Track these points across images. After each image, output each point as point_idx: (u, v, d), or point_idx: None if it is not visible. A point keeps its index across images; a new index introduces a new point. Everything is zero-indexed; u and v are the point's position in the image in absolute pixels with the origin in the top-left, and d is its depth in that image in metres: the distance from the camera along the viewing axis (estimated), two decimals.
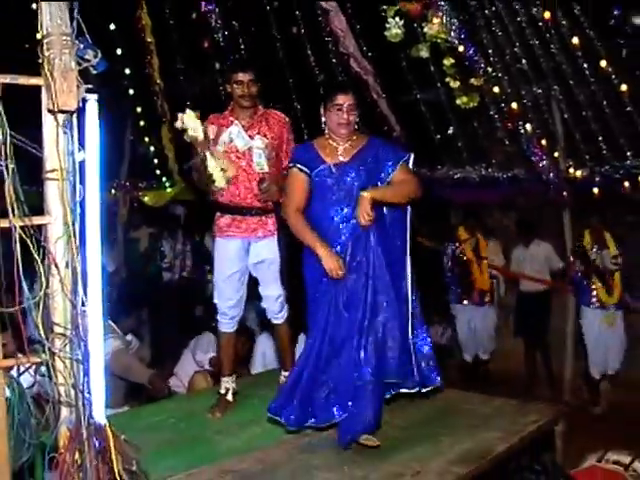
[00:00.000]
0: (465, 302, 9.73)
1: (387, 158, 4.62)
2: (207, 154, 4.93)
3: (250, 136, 5.07)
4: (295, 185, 4.66)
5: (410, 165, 4.71)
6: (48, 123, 2.75)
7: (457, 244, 9.55)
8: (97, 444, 2.86)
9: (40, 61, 2.71)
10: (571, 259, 8.86)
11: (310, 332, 4.70)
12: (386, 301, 4.48)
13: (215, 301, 5.36)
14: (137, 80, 10.52)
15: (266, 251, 5.13)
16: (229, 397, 5.36)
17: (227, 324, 5.37)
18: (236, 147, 5.08)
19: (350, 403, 4.37)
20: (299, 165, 4.64)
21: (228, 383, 5.40)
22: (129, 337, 6.94)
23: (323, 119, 4.68)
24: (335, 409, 4.43)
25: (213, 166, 4.93)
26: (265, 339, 7.45)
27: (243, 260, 5.19)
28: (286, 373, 5.43)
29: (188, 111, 4.90)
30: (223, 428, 4.88)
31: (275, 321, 5.40)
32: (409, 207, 4.73)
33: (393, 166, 4.59)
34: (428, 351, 4.86)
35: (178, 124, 4.92)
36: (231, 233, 5.14)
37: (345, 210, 4.51)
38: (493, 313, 9.84)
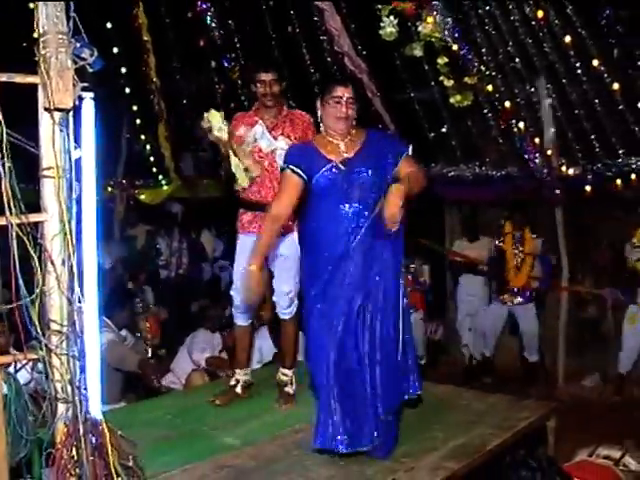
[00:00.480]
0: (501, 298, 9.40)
1: (388, 151, 4.42)
2: (230, 153, 5.03)
3: (274, 137, 5.13)
4: (286, 187, 4.40)
5: (410, 153, 4.51)
6: (44, 121, 2.78)
7: (501, 238, 9.40)
8: (94, 440, 2.89)
9: (36, 59, 2.73)
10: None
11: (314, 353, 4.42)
12: (390, 321, 4.34)
13: (231, 293, 5.42)
14: (134, 78, 10.53)
15: (283, 247, 5.14)
16: (238, 389, 5.43)
17: (241, 317, 5.44)
18: (260, 147, 5.14)
19: (375, 434, 4.23)
20: (292, 166, 4.34)
21: (240, 375, 5.47)
22: (123, 332, 6.96)
23: (319, 113, 4.45)
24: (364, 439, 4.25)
25: (236, 165, 5.02)
26: (263, 334, 7.46)
27: None
28: (285, 370, 5.44)
29: (213, 111, 5.00)
30: (219, 424, 4.90)
31: (282, 316, 5.41)
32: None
33: (394, 159, 4.39)
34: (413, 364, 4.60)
35: (204, 124, 5.00)
36: (253, 230, 5.18)
37: (358, 207, 4.29)
38: (532, 311, 9.33)
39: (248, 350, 5.59)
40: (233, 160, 5.02)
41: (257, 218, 5.15)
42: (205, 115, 4.98)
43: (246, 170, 5.04)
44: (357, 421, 4.18)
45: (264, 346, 7.37)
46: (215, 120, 4.94)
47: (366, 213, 4.29)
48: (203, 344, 7.46)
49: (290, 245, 5.11)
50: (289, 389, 5.37)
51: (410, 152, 4.50)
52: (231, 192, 5.35)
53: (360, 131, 4.48)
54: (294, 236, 5.08)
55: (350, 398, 4.21)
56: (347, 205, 4.30)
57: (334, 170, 4.33)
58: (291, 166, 4.35)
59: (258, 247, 4.39)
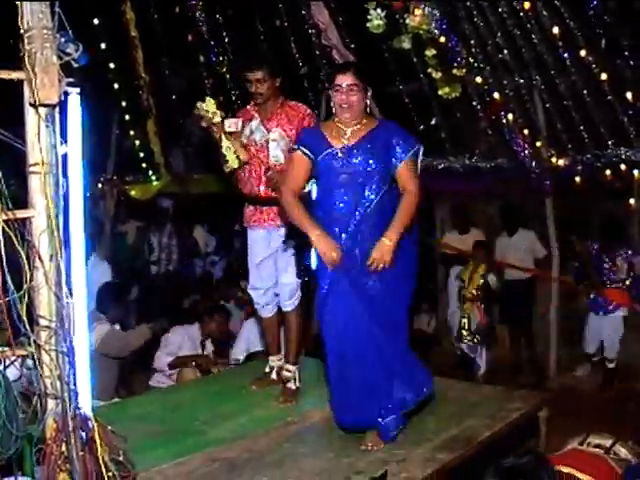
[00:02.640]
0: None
1: (397, 144, 4.33)
2: (222, 136, 5.10)
3: (268, 129, 5.17)
4: (295, 166, 4.45)
5: (419, 157, 4.43)
6: (30, 117, 2.77)
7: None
8: (83, 435, 2.89)
9: (21, 55, 2.72)
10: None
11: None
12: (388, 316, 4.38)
13: (249, 291, 5.57)
14: (122, 74, 10.49)
15: (281, 239, 5.18)
16: (273, 375, 5.56)
17: (263, 310, 5.56)
18: (255, 140, 5.20)
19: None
20: (302, 148, 4.40)
21: (274, 362, 5.59)
22: (117, 327, 6.95)
23: (331, 103, 4.41)
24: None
25: (227, 146, 5.10)
26: (251, 324, 7.43)
27: (268, 248, 5.29)
28: (289, 366, 5.40)
29: (208, 98, 5.16)
30: (210, 418, 4.90)
31: (284, 308, 5.42)
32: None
33: (402, 155, 4.31)
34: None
35: (198, 111, 5.13)
36: (254, 223, 5.28)
37: (352, 195, 4.28)
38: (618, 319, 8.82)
39: (277, 338, 5.66)
40: (225, 142, 5.11)
41: (257, 212, 5.23)
42: (199, 104, 5.11)
43: (235, 153, 5.11)
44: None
45: (252, 337, 7.33)
46: (210, 106, 5.09)
47: (363, 201, 4.29)
48: (176, 344, 7.24)
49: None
50: (291, 385, 5.34)
51: (419, 152, 4.43)
52: (232, 188, 5.40)
53: (372, 120, 4.49)
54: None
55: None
56: (340, 193, 4.31)
57: (332, 156, 4.34)
58: (300, 147, 4.42)
59: (301, 219, 4.34)
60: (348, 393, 4.42)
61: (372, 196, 4.30)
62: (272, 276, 5.33)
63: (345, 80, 4.27)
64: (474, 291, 8.81)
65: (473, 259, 9.06)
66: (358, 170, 4.30)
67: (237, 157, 5.13)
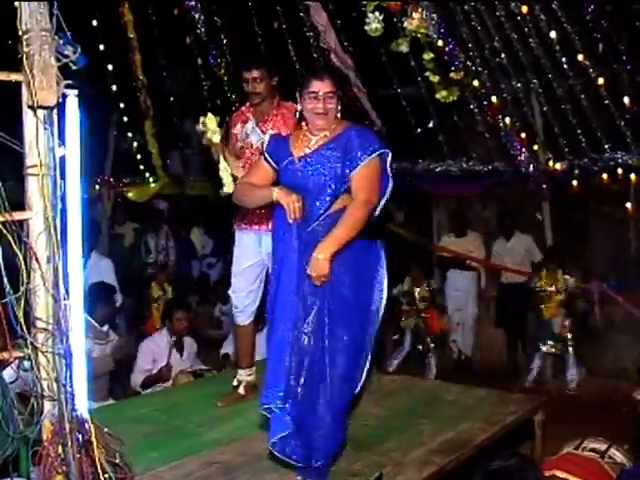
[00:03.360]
0: None
1: (352, 150, 3.98)
2: (221, 159, 5.07)
3: (263, 131, 5.07)
4: (257, 170, 4.28)
5: (388, 163, 4.04)
6: (28, 119, 2.77)
7: None
8: (80, 437, 2.89)
9: (20, 57, 2.73)
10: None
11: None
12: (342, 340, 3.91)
13: (229, 293, 5.42)
14: (120, 76, 10.51)
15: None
16: (241, 390, 5.36)
17: (238, 316, 5.39)
18: (251, 142, 5.14)
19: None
20: (266, 154, 4.20)
21: (242, 376, 5.40)
22: (105, 328, 6.95)
23: (299, 107, 4.13)
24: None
25: (224, 170, 5.05)
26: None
27: (257, 254, 5.21)
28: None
29: (210, 115, 5.06)
30: (205, 421, 4.90)
31: None
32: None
33: (356, 162, 3.94)
34: None
35: (199, 127, 5.07)
36: (245, 227, 5.21)
37: (307, 204, 3.97)
38: None
39: (250, 350, 5.47)
40: (222, 164, 5.06)
41: (249, 214, 5.16)
42: (202, 119, 5.05)
43: (232, 176, 5.07)
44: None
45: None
46: (211, 124, 5.03)
47: (320, 212, 3.97)
48: (148, 360, 6.99)
49: None
50: None
51: (384, 157, 4.04)
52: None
53: (341, 126, 4.11)
54: None
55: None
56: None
57: (291, 165, 4.09)
58: (265, 153, 4.22)
59: (254, 190, 4.18)
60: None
61: (321, 210, 3.99)
62: (255, 282, 5.26)
63: (322, 87, 3.99)
64: None
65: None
66: (315, 178, 4.01)
67: (233, 179, 5.06)
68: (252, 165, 4.48)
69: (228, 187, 5.08)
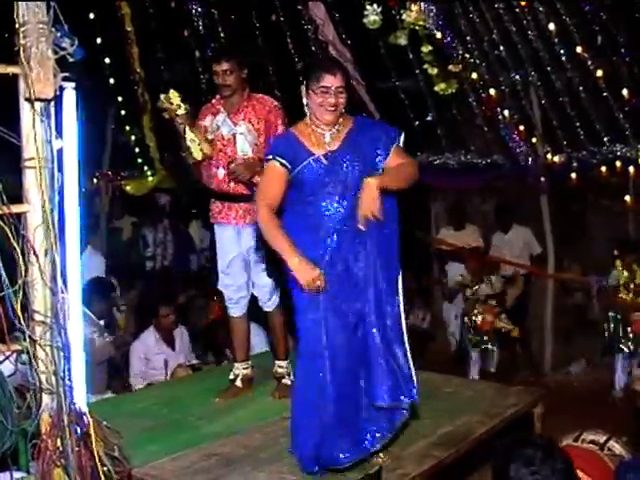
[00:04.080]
0: None
1: (378, 139, 4.07)
2: (187, 128, 5.03)
3: (234, 122, 5.09)
4: (271, 178, 4.06)
5: (401, 144, 4.14)
6: (25, 112, 2.76)
7: None
8: (78, 430, 2.89)
9: (17, 49, 2.71)
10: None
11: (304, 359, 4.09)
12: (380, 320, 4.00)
13: (219, 288, 5.41)
14: (118, 69, 10.48)
15: (254, 237, 5.09)
16: (238, 383, 5.36)
17: (233, 308, 5.39)
18: (222, 134, 5.13)
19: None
20: (278, 158, 4.01)
21: (238, 370, 5.39)
22: (102, 322, 6.98)
23: (305, 101, 4.07)
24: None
25: (191, 138, 5.03)
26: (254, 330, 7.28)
27: (238, 245, 5.21)
28: (280, 362, 5.38)
29: (172, 90, 5.04)
30: (205, 413, 4.91)
31: (265, 309, 5.38)
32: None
33: (385, 148, 4.05)
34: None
35: (161, 104, 5.05)
36: (222, 220, 5.20)
37: (341, 204, 3.98)
38: None
39: (245, 343, 5.49)
40: (189, 135, 5.02)
41: (225, 208, 5.15)
42: (163, 96, 5.03)
43: (199, 145, 5.05)
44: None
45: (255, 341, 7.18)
46: (175, 99, 5.00)
47: (353, 211, 3.94)
48: (141, 361, 7.00)
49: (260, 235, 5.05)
50: (287, 380, 5.32)
51: (401, 139, 4.16)
52: (198, 184, 5.35)
53: (347, 119, 4.14)
54: None
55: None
56: (329, 203, 4.01)
57: (316, 164, 4.02)
58: (276, 157, 4.03)
59: (279, 242, 3.96)
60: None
61: (356, 201, 3.94)
62: (243, 274, 5.26)
63: (335, 82, 3.94)
64: None
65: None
66: (345, 176, 4.01)
67: (201, 150, 5.06)
68: (263, 176, 4.19)
69: (196, 154, 5.05)
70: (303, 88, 4.07)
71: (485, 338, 8.54)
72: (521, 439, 3.12)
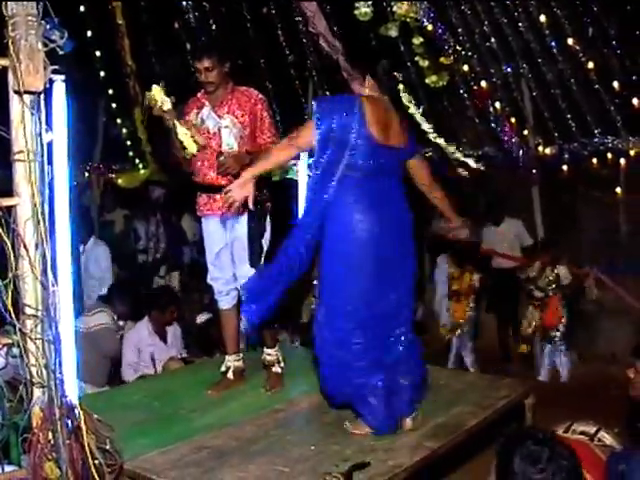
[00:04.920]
0: None
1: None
2: (176, 123, 4.99)
3: (219, 116, 5.07)
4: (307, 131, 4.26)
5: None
6: (15, 104, 2.75)
7: None
8: (70, 423, 2.89)
9: (6, 42, 2.71)
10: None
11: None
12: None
13: (209, 282, 5.39)
14: (109, 62, 10.46)
15: (238, 229, 5.09)
16: (229, 375, 5.34)
17: (222, 301, 5.36)
18: (207, 128, 5.10)
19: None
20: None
21: (230, 362, 5.37)
22: (121, 323, 7.02)
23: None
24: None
25: (183, 132, 5.00)
26: None
27: (224, 237, 5.18)
28: (269, 350, 5.35)
29: (155, 86, 4.98)
30: (198, 406, 4.89)
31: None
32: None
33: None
34: None
35: (147, 101, 5.00)
36: (208, 212, 5.17)
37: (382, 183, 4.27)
38: None
39: (236, 334, 5.46)
40: (180, 129, 5.00)
41: (210, 200, 5.13)
42: (147, 94, 5.00)
43: (192, 137, 5.03)
44: None
45: None
46: (157, 94, 4.95)
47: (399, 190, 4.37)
48: (134, 353, 6.91)
49: (242, 227, 5.05)
50: (277, 369, 5.31)
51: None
52: (186, 175, 5.32)
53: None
54: (245, 217, 5.00)
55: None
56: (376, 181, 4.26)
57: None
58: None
59: (259, 164, 4.29)
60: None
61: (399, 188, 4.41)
62: (231, 265, 5.22)
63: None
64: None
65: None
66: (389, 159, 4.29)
67: (195, 142, 5.06)
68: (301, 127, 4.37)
69: (191, 148, 5.04)
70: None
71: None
72: (523, 433, 3.10)
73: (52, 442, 2.85)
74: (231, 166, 4.85)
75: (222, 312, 5.43)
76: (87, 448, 2.87)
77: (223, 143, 5.02)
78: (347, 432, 4.34)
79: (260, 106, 5.08)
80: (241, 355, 5.43)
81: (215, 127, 5.06)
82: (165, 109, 4.96)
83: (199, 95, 5.24)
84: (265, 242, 5.11)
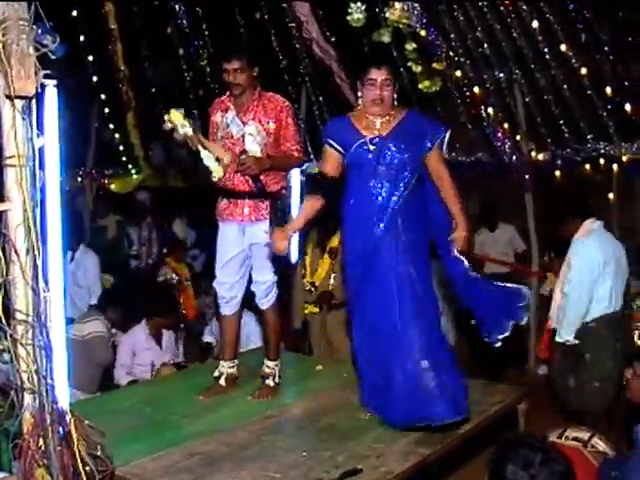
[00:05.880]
0: None
1: (427, 132, 4.47)
2: (200, 148, 4.94)
3: (244, 122, 5.01)
4: (326, 159, 4.60)
5: (445, 142, 4.57)
6: (6, 109, 2.74)
7: None
8: (61, 430, 2.87)
9: None
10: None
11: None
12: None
13: (214, 285, 5.37)
14: (102, 67, 10.46)
15: (257, 235, 5.05)
16: (222, 382, 5.32)
17: (225, 307, 5.35)
18: (231, 133, 5.06)
19: None
20: (330, 141, 4.52)
21: (223, 367, 5.35)
22: (114, 331, 7.02)
23: (359, 94, 4.51)
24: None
25: (207, 157, 4.95)
26: (250, 320, 7.23)
27: (240, 244, 5.15)
28: (269, 362, 5.34)
29: (173, 110, 4.91)
30: (189, 412, 4.88)
31: (261, 306, 5.32)
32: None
33: (431, 142, 4.46)
34: None
35: (166, 125, 4.93)
36: (228, 217, 5.14)
37: (385, 187, 4.38)
38: None
39: (234, 341, 5.46)
40: (203, 153, 4.94)
41: (232, 205, 5.10)
42: (166, 117, 4.92)
43: (218, 160, 4.98)
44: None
45: (252, 335, 7.14)
46: (177, 119, 4.87)
47: (396, 193, 4.37)
48: (128, 354, 6.90)
49: (262, 233, 5.01)
50: (270, 382, 5.28)
51: (445, 137, 4.54)
52: (207, 180, 5.28)
53: (400, 110, 4.51)
54: (266, 224, 5.00)
55: None
56: (376, 183, 4.38)
57: (365, 147, 4.40)
58: (328, 140, 4.52)
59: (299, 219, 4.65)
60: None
61: (404, 187, 4.39)
62: (238, 272, 5.22)
63: (380, 75, 4.32)
64: None
65: None
66: (392, 161, 4.38)
67: (220, 164, 4.98)
68: (322, 156, 4.72)
69: (217, 172, 5.02)
70: (358, 82, 4.52)
71: None
72: (516, 439, 3.09)
73: (43, 448, 2.84)
74: (251, 167, 4.85)
75: (223, 318, 5.43)
76: (78, 454, 2.85)
77: (246, 150, 4.98)
78: (339, 438, 4.33)
79: (285, 113, 5.03)
80: (236, 362, 5.41)
81: (239, 133, 5.01)
82: (188, 134, 4.91)
83: (224, 97, 5.20)
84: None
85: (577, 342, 5.75)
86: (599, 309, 5.76)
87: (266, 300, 5.25)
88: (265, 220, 5.01)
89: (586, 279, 5.71)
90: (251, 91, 5.03)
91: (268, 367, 5.30)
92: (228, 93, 5.15)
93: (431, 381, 4.29)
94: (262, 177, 4.95)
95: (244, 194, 5.04)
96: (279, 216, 4.97)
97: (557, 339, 5.91)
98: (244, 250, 5.16)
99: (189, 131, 4.89)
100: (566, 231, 5.93)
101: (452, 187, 4.56)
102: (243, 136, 5.01)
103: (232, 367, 5.37)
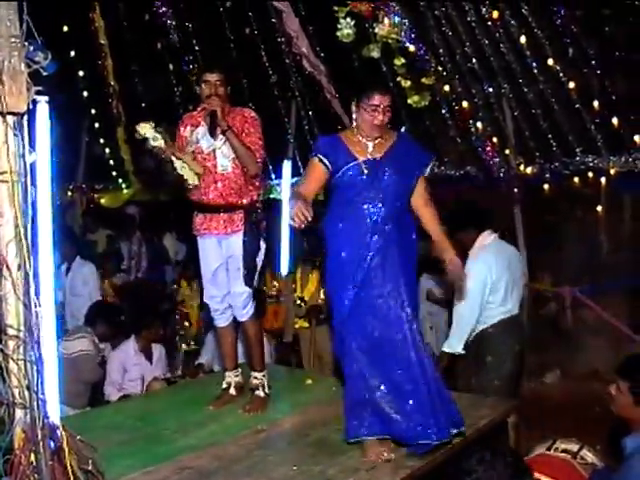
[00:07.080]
0: None
1: (416, 158, 4.47)
2: (172, 158, 4.99)
3: (215, 136, 5.05)
4: (311, 173, 4.45)
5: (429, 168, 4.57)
6: None
7: None
8: (52, 445, 2.87)
9: None
10: None
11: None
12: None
13: (205, 301, 5.43)
14: (92, 82, 10.49)
15: (231, 247, 5.10)
16: (232, 391, 5.40)
17: (219, 319, 5.39)
18: (201, 148, 5.09)
19: None
20: (322, 157, 4.38)
21: (230, 378, 5.43)
22: (102, 346, 6.99)
23: (354, 115, 4.39)
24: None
25: (180, 166, 4.99)
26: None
27: (220, 256, 5.18)
28: (256, 374, 5.35)
29: (142, 123, 4.95)
30: (180, 427, 4.88)
31: (240, 318, 5.32)
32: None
33: (419, 170, 4.45)
34: None
35: (138, 136, 4.98)
36: (204, 231, 5.17)
37: (378, 209, 4.30)
38: None
39: (234, 351, 5.52)
40: (177, 163, 4.99)
41: (207, 220, 5.13)
42: (136, 128, 4.97)
43: (191, 168, 5.03)
44: None
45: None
46: (147, 131, 4.91)
47: (389, 215, 4.32)
48: (119, 371, 6.94)
49: (237, 245, 5.07)
50: (260, 392, 5.29)
51: (428, 167, 4.55)
52: (184, 195, 5.32)
53: (390, 132, 4.49)
54: (240, 235, 5.05)
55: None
56: (369, 207, 4.32)
57: (358, 169, 4.34)
58: (319, 155, 4.39)
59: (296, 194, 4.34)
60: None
61: (397, 209, 4.37)
62: (227, 284, 5.25)
63: (384, 101, 4.27)
64: None
65: None
66: (388, 184, 4.32)
67: (193, 172, 5.03)
68: (306, 170, 4.59)
69: (191, 179, 5.05)
70: (353, 104, 4.40)
71: None
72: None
73: (34, 463, 2.83)
74: (215, 102, 4.90)
75: (219, 330, 5.50)
76: (70, 469, 2.85)
77: (218, 164, 5.02)
78: (329, 452, 4.34)
79: (249, 123, 5.05)
80: (240, 370, 5.46)
81: (209, 148, 5.05)
82: (160, 145, 4.94)
83: (195, 113, 5.23)
84: (259, 261, 5.17)
85: (463, 352, 5.83)
86: (496, 315, 5.80)
87: (245, 312, 5.26)
88: (240, 232, 5.05)
89: (478, 300, 5.71)
90: (223, 106, 5.06)
91: (256, 378, 5.32)
92: (200, 108, 5.18)
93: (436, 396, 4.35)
94: (235, 189, 5.04)
95: (219, 208, 5.07)
96: (253, 228, 5.04)
97: (446, 349, 5.94)
98: (223, 263, 5.19)
99: (161, 143, 4.93)
100: (462, 242, 5.90)
101: (436, 212, 4.53)
102: (214, 151, 5.04)
103: (237, 376, 5.47)
